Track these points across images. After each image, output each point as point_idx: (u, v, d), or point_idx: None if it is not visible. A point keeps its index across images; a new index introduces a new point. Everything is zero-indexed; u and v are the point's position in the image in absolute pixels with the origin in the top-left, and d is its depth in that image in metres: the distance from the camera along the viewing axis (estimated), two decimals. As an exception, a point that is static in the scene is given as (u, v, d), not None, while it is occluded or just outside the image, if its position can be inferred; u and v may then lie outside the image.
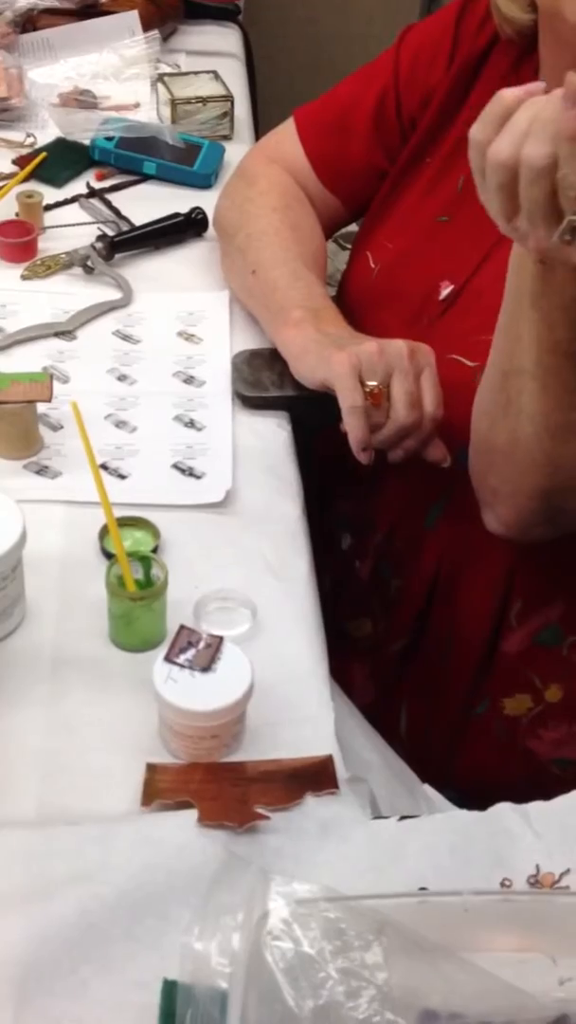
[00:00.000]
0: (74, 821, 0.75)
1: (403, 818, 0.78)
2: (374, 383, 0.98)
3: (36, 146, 1.45)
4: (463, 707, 1.15)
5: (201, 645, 0.81)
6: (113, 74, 1.61)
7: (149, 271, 1.28)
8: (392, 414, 0.98)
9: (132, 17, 1.65)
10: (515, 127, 0.71)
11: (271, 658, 0.88)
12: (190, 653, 0.80)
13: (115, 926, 0.68)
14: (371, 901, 0.58)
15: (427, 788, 0.94)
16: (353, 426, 0.98)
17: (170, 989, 0.60)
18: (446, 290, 1.02)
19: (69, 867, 0.71)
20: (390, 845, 0.75)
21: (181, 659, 0.80)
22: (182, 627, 0.82)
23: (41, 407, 1.04)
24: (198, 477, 1.04)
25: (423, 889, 0.72)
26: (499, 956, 0.60)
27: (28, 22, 1.66)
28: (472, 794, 0.88)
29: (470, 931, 0.61)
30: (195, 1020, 0.54)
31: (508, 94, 0.72)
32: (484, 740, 1.15)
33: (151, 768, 0.79)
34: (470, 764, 1.16)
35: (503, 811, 0.78)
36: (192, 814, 0.74)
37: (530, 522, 0.93)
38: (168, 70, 1.63)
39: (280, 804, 0.76)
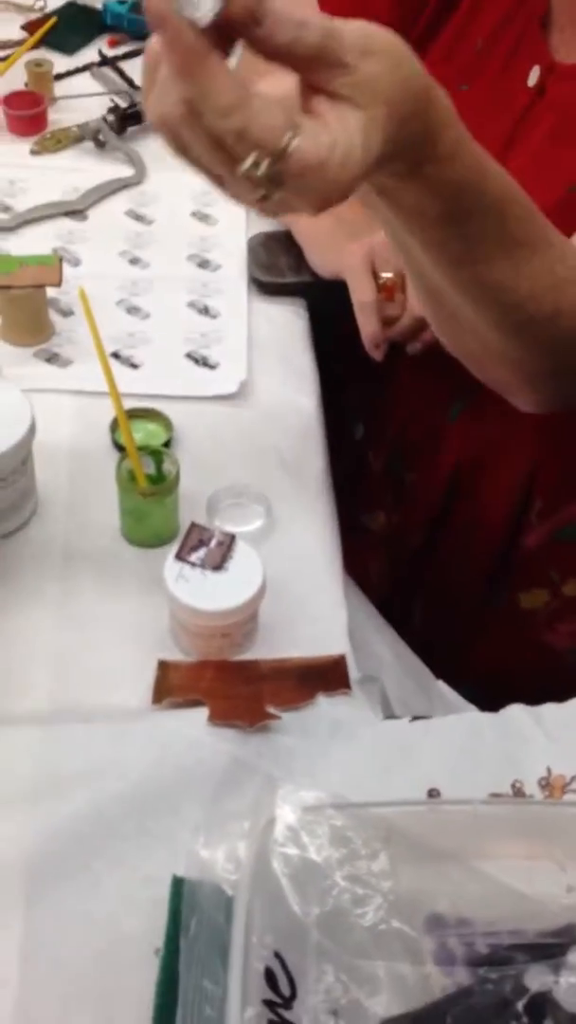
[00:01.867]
0: (85, 718, 0.75)
1: (415, 718, 0.78)
2: (388, 275, 0.94)
3: (46, 10, 1.38)
4: (479, 602, 1.14)
5: (213, 543, 0.79)
6: None
7: (163, 146, 1.22)
8: (408, 306, 0.94)
9: None
10: (158, 80, 0.57)
11: (284, 555, 0.87)
12: (202, 552, 0.79)
13: (127, 821, 0.68)
14: (379, 809, 0.57)
15: (441, 684, 0.94)
16: (365, 322, 0.95)
17: (179, 886, 0.61)
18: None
19: (81, 764, 0.71)
20: (401, 746, 0.75)
21: (192, 557, 0.78)
22: (193, 524, 0.80)
23: (51, 291, 1.01)
24: (212, 367, 1.01)
25: (433, 790, 0.72)
26: (508, 863, 0.60)
27: None
28: (486, 689, 0.87)
29: (478, 838, 0.61)
30: (200, 927, 0.54)
31: (152, 44, 0.57)
32: (499, 634, 1.15)
33: (162, 665, 0.79)
34: (484, 658, 1.16)
35: (515, 712, 0.78)
36: (203, 712, 0.74)
37: (556, 395, 0.89)
38: None
39: (292, 704, 0.76)
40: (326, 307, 1.08)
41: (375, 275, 0.95)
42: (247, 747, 0.73)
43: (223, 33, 0.53)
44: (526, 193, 0.69)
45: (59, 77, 1.27)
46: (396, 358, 1.01)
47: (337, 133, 0.54)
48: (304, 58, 0.53)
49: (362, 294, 0.95)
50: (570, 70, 0.91)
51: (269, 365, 1.03)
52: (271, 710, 0.75)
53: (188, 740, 0.72)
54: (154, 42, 0.56)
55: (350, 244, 0.95)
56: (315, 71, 0.54)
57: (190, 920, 0.55)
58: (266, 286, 1.09)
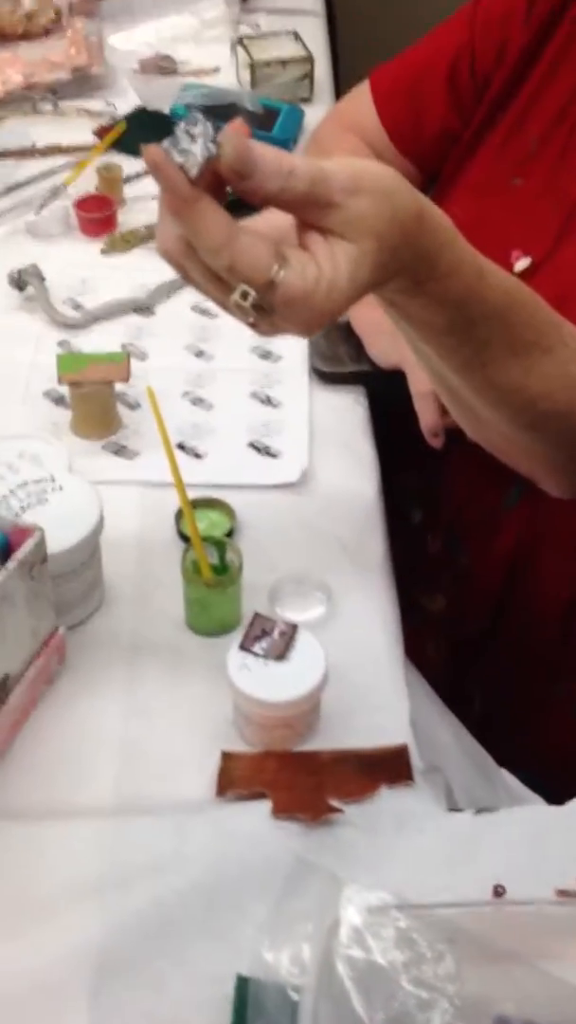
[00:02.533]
0: (149, 810, 0.75)
1: (479, 811, 0.77)
2: None
3: (116, 115, 1.44)
4: (540, 686, 1.13)
5: (276, 633, 0.80)
6: (192, 37, 1.59)
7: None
8: None
9: (211, -23, 1.62)
10: (162, 217, 0.61)
11: (346, 642, 0.87)
12: (265, 641, 0.80)
13: (190, 919, 0.68)
14: (444, 909, 0.57)
15: (504, 773, 0.93)
16: (423, 411, 0.96)
17: (243, 987, 0.60)
18: (521, 261, 0.98)
19: (145, 857, 0.72)
20: (465, 840, 0.74)
21: (256, 648, 0.79)
22: (256, 615, 0.82)
23: (119, 386, 1.04)
24: (274, 456, 1.03)
25: (499, 886, 0.71)
26: (573, 964, 0.59)
27: (108, -15, 1.64)
28: (549, 775, 0.86)
29: (545, 938, 0.60)
30: (264, 1030, 0.54)
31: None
32: (562, 721, 1.14)
33: (226, 756, 0.79)
34: (546, 743, 1.14)
35: (582, 805, 0.77)
36: (266, 805, 0.75)
37: None
38: (248, 31, 1.60)
39: (354, 796, 0.76)
40: (385, 395, 1.10)
41: None
42: (310, 841, 0.73)
43: (218, 177, 0.58)
44: (538, 295, 0.72)
45: (128, 180, 1.33)
46: (453, 445, 1.02)
47: (324, 266, 0.58)
48: (294, 202, 0.58)
49: (420, 384, 0.97)
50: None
51: (330, 453, 1.05)
52: (334, 803, 0.75)
53: (251, 835, 0.73)
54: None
55: None
56: (306, 212, 0.59)
57: (255, 1023, 0.55)
58: (327, 376, 1.11)
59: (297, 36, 1.55)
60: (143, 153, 0.57)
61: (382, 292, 0.65)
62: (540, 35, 1.03)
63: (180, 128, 0.56)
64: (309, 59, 1.50)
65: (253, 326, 0.61)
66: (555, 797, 0.80)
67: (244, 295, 0.58)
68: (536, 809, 0.78)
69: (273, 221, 0.60)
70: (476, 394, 0.75)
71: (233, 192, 0.58)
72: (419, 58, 1.14)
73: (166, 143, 0.57)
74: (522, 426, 0.77)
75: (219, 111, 1.40)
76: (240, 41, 1.53)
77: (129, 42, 1.57)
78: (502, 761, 0.93)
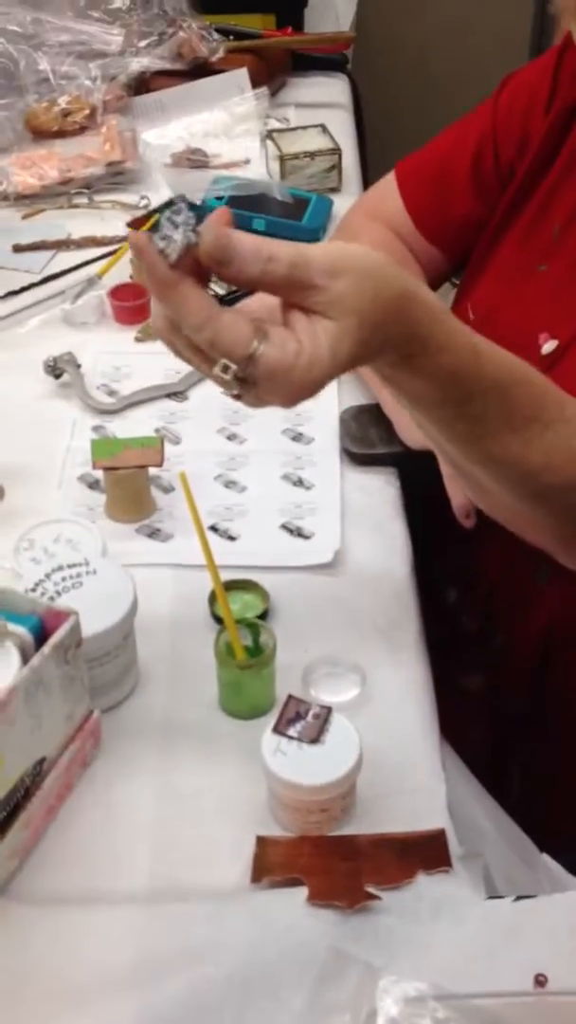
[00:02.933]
0: (184, 896, 0.75)
1: (519, 898, 0.76)
2: None
3: (150, 208, 1.48)
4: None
5: (310, 716, 0.80)
6: (224, 132, 1.64)
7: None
8: None
9: (242, 75, 1.68)
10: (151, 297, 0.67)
11: (381, 725, 0.87)
12: (299, 725, 0.80)
13: (226, 1008, 0.67)
14: (483, 1000, 0.56)
15: (546, 858, 0.91)
16: (455, 492, 0.97)
17: (279, 1080, 0.59)
18: (548, 344, 1.00)
19: (180, 946, 0.71)
20: (506, 927, 0.73)
21: (290, 731, 0.79)
22: (290, 697, 0.82)
23: (153, 469, 1.06)
24: (307, 537, 1.04)
25: (540, 976, 0.69)
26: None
27: (141, 84, 1.71)
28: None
29: (589, 1031, 0.58)
30: None
31: None
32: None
33: (261, 841, 0.79)
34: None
35: (626, 891, 0.75)
36: (302, 892, 0.74)
37: None
38: (277, 125, 1.65)
39: (391, 883, 0.75)
40: (417, 476, 1.11)
41: None
42: (347, 928, 0.72)
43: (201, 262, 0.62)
44: (543, 375, 0.74)
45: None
46: (485, 525, 1.02)
47: (305, 341, 0.62)
48: (274, 285, 0.62)
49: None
50: None
51: (363, 534, 1.06)
52: (371, 889, 0.74)
53: (287, 923, 0.72)
54: None
55: None
56: (289, 293, 0.63)
57: None
58: (358, 457, 1.12)
59: (325, 129, 1.59)
60: (128, 238, 0.61)
61: (375, 367, 0.69)
62: (560, 126, 1.05)
63: (164, 216, 0.61)
64: (337, 151, 1.54)
65: (237, 398, 0.65)
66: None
67: (225, 368, 0.62)
68: (577, 895, 0.76)
69: (265, 301, 0.64)
70: (477, 465, 0.77)
71: (218, 277, 0.63)
72: (443, 148, 1.18)
73: (153, 231, 0.61)
74: (525, 497, 0.78)
75: (249, 201, 1.44)
76: (270, 134, 1.58)
77: (162, 137, 1.62)
78: (543, 846, 0.91)
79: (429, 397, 0.71)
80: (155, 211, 1.26)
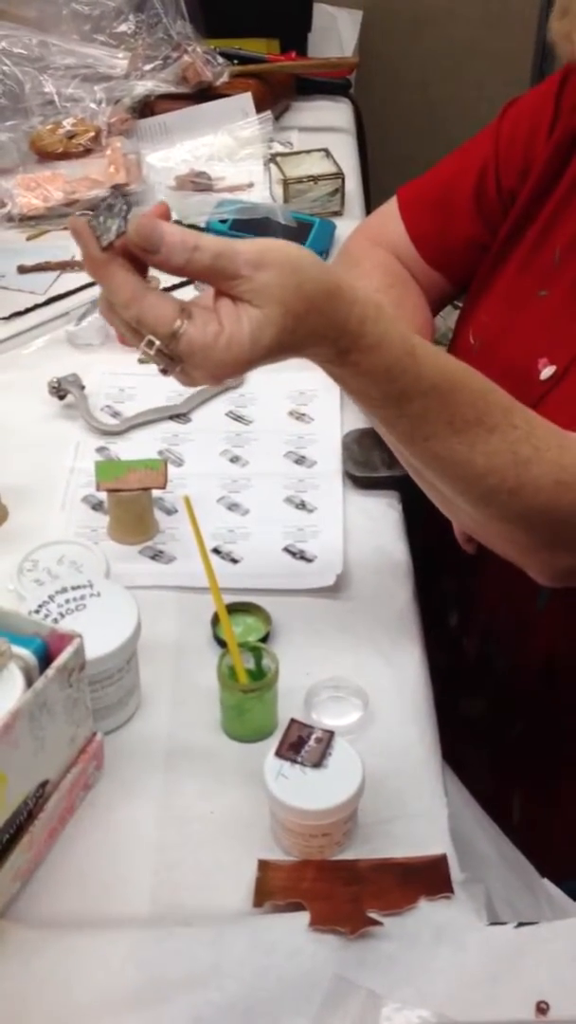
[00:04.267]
0: (186, 921, 0.75)
1: (521, 924, 0.76)
2: None
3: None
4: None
5: (312, 740, 0.80)
6: (227, 155, 1.65)
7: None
8: None
9: (246, 99, 1.69)
10: None
11: (383, 749, 0.87)
12: (301, 749, 0.80)
13: (227, 1034, 0.67)
14: (486, 1029, 0.56)
15: (547, 884, 0.91)
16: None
17: None
18: (547, 369, 1.00)
19: (182, 970, 0.71)
20: (507, 953, 0.73)
21: (292, 755, 0.79)
22: (293, 721, 0.82)
23: (156, 491, 1.06)
24: (309, 560, 1.05)
25: (542, 1003, 0.69)
26: None
27: (146, 107, 1.72)
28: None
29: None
30: None
31: None
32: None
33: (263, 865, 0.79)
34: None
35: (628, 918, 0.75)
36: (304, 917, 0.74)
37: (556, 569, 0.90)
38: (281, 148, 1.66)
39: (393, 908, 0.75)
40: (419, 500, 1.11)
41: None
42: (349, 954, 0.72)
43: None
44: (491, 380, 0.78)
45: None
46: (485, 548, 1.02)
47: (227, 323, 0.68)
48: (201, 273, 0.68)
49: None
50: None
51: (365, 557, 1.06)
52: (372, 915, 0.74)
53: (289, 948, 0.71)
54: None
55: None
56: (217, 282, 0.69)
57: None
58: (361, 480, 1.13)
59: (328, 153, 1.60)
60: (68, 222, 0.70)
61: (315, 362, 0.74)
62: (562, 153, 1.06)
63: (103, 205, 0.69)
64: (340, 175, 1.55)
65: (164, 372, 0.71)
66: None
67: (149, 343, 0.69)
68: (579, 922, 0.76)
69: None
70: (423, 464, 0.82)
71: (148, 264, 0.70)
72: (446, 173, 1.18)
73: (91, 216, 0.69)
74: (475, 502, 0.82)
75: (253, 224, 1.45)
76: (273, 158, 1.59)
77: (166, 160, 1.64)
78: (545, 872, 0.91)
79: (370, 395, 0.76)
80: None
